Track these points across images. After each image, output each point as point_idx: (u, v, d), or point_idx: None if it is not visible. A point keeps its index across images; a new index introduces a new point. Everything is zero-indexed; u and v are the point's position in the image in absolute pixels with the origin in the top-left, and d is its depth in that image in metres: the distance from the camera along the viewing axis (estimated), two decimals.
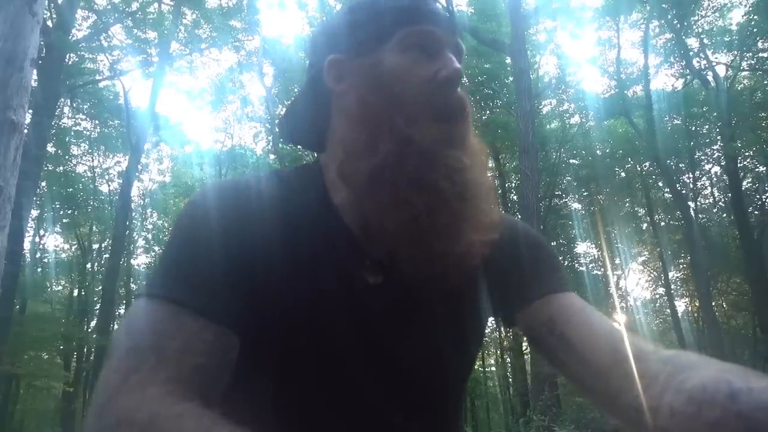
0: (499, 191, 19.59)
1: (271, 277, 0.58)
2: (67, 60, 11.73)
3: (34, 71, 3.40)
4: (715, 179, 19.20)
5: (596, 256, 21.65)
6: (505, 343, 16.82)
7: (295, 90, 16.93)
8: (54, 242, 20.00)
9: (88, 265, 19.65)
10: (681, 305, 21.40)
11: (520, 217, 14.23)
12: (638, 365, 0.51)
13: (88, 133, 17.27)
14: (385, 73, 0.61)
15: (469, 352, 0.69)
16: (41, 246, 19.01)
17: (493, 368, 21.60)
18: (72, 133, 16.72)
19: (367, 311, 0.61)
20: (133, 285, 20.38)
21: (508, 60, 13.17)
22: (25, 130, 3.00)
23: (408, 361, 0.62)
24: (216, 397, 0.51)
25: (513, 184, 19.00)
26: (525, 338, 0.67)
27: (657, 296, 23.14)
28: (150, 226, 21.23)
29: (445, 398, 0.67)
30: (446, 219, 0.58)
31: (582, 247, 22.00)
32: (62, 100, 13.49)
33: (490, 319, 0.72)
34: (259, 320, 0.57)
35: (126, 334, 0.52)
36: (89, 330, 17.52)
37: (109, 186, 19.10)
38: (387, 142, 0.58)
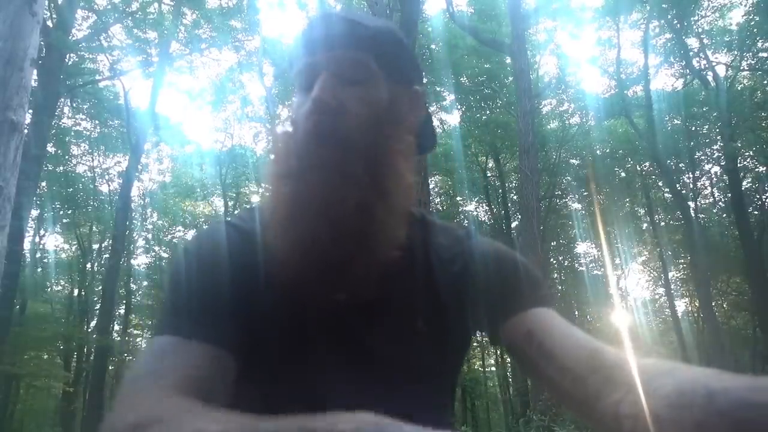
0: (499, 191, 19.60)
1: (252, 304, 0.64)
2: (67, 60, 11.72)
3: (34, 71, 3.40)
4: (715, 179, 19.21)
5: (596, 256, 21.68)
6: None
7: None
8: (54, 242, 20.00)
9: (88, 265, 19.64)
10: (681, 305, 21.44)
11: (520, 217, 14.21)
12: (616, 372, 0.52)
13: (88, 133, 17.24)
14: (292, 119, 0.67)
15: (448, 364, 0.72)
16: (41, 246, 18.99)
17: (493, 368, 21.60)
18: (72, 133, 16.69)
19: (338, 325, 0.66)
20: (133, 285, 20.37)
21: (508, 60, 13.17)
22: (25, 130, 3.00)
23: (385, 367, 0.66)
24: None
25: (513, 184, 19.01)
26: (507, 352, 0.70)
27: (657, 296, 23.16)
28: (150, 226, 21.22)
29: (428, 403, 0.70)
30: (329, 243, 0.60)
31: (582, 247, 22.04)
32: (62, 100, 13.49)
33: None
34: (248, 342, 0.63)
35: (132, 368, 0.58)
36: (89, 330, 17.50)
37: (109, 186, 19.09)
38: (279, 190, 0.64)
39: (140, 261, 21.09)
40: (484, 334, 0.73)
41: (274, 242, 0.63)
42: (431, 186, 17.80)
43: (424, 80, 0.79)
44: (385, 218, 0.62)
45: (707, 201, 19.92)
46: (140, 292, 21.15)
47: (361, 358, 0.66)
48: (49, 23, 10.32)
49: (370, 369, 0.66)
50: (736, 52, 15.33)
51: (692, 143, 17.11)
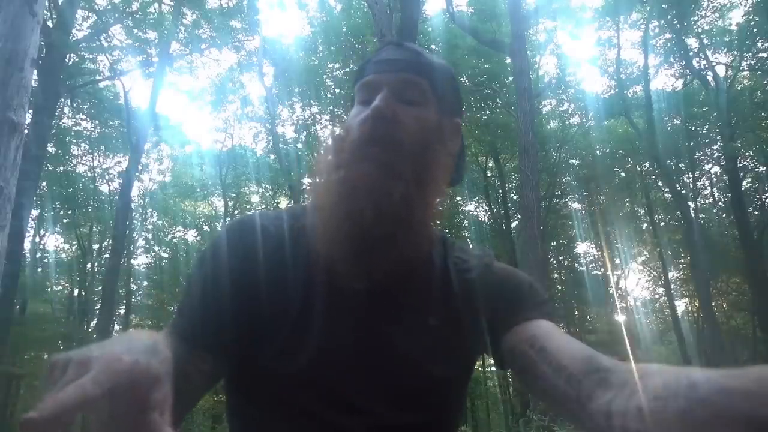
0: (499, 191, 19.59)
1: (265, 302, 0.70)
2: (67, 60, 11.71)
3: (34, 71, 3.40)
4: (715, 179, 19.21)
5: (596, 256, 21.67)
6: None
7: (296, 90, 16.97)
8: (54, 242, 20.00)
9: (88, 265, 19.63)
10: (681, 305, 21.42)
11: (520, 217, 14.20)
12: (610, 375, 0.55)
13: (88, 133, 17.23)
14: (346, 125, 0.75)
15: (454, 360, 0.75)
16: (41, 246, 19.00)
17: (493, 368, 21.58)
18: (72, 133, 16.69)
19: (352, 314, 0.71)
20: (133, 285, 20.36)
21: (508, 60, 13.16)
22: (25, 130, 3.00)
23: (392, 359, 0.70)
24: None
25: (513, 184, 19.00)
26: (508, 363, 0.73)
27: (657, 296, 23.15)
28: (150, 226, 21.22)
29: (432, 399, 0.73)
30: (370, 231, 0.67)
31: (582, 247, 22.03)
32: (62, 100, 13.47)
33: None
34: (251, 342, 0.68)
35: None
36: (89, 330, 17.51)
37: (109, 186, 19.09)
38: (330, 176, 0.71)
39: (140, 261, 21.12)
40: (487, 353, 0.78)
41: (319, 221, 0.70)
42: None
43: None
44: (422, 215, 0.70)
45: (707, 201, 19.92)
46: (140, 292, 21.14)
47: (370, 345, 0.70)
48: (49, 23, 10.32)
49: (377, 356, 0.70)
50: (736, 52, 15.34)
51: (692, 143, 17.11)
